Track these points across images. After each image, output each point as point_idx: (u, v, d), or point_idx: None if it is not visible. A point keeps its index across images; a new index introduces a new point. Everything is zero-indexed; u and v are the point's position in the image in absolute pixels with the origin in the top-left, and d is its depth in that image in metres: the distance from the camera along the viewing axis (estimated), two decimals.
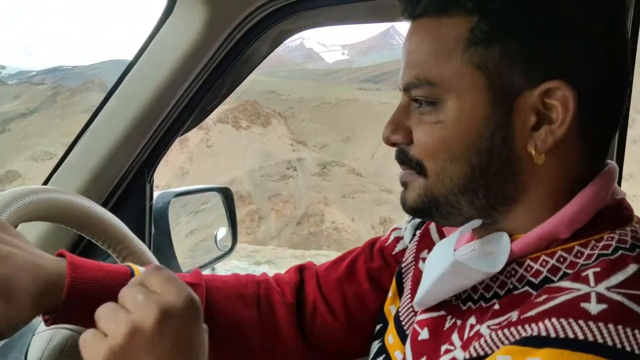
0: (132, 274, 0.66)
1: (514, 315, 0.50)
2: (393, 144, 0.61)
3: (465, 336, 0.56)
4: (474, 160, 0.55)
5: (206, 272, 0.87)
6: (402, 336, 0.67)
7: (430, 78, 0.55)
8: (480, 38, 0.53)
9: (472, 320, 0.57)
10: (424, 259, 0.70)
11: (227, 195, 1.26)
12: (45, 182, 1.00)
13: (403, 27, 0.61)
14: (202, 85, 1.00)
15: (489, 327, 0.53)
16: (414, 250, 0.74)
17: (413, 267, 0.72)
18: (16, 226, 0.65)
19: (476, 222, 0.57)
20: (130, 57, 1.02)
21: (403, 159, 0.60)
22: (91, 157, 0.99)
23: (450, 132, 0.55)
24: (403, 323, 0.68)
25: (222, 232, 1.25)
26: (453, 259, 0.56)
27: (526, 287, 0.53)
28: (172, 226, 1.09)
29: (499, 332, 0.49)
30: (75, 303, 0.59)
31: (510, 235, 0.56)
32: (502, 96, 0.53)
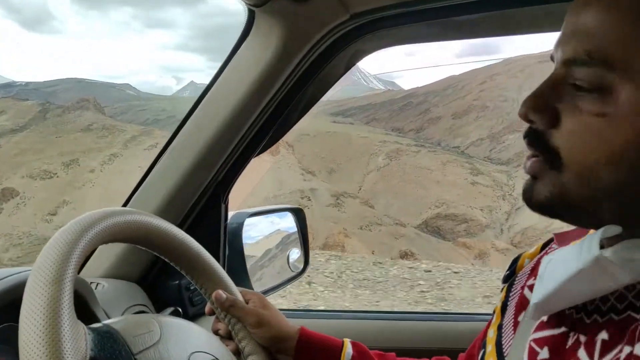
0: (342, 345, 0.85)
1: None
2: (529, 121, 0.52)
3: (597, 353, 0.50)
4: (637, 166, 0.46)
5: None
6: (501, 358, 0.63)
7: (610, 57, 0.45)
8: None
9: (603, 335, 0.50)
10: (530, 287, 0.64)
11: (299, 216, 1.23)
12: (126, 203, 1.00)
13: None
14: (277, 107, 1.00)
15: None
16: (523, 280, 0.68)
17: (519, 294, 0.67)
18: (99, 246, 0.64)
19: (616, 229, 0.48)
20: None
21: (536, 143, 0.51)
22: (168, 179, 0.99)
23: (615, 130, 0.45)
24: (503, 344, 0.64)
25: (295, 253, 1.21)
26: (597, 254, 0.47)
27: None
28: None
29: None
30: (301, 357, 0.83)
31: None
32: None
